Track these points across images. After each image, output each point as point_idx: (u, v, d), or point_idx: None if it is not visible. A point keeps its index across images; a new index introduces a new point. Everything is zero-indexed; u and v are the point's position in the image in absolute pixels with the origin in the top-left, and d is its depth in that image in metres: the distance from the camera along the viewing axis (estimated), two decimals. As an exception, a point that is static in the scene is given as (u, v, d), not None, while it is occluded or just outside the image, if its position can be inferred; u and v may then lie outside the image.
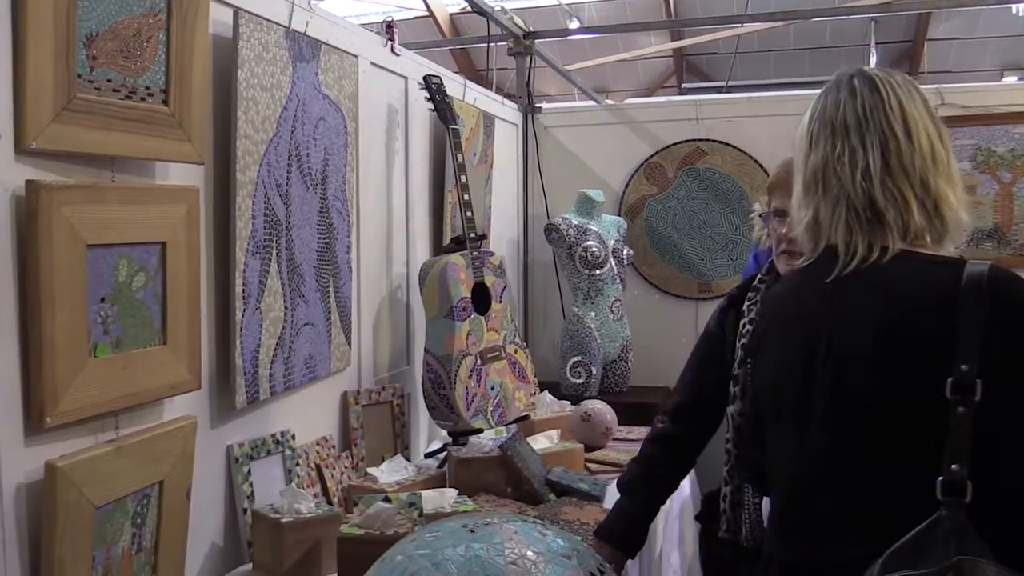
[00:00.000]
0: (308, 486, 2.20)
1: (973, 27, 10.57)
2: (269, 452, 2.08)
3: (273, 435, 2.10)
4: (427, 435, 3.05)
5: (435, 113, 2.85)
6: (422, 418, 2.96)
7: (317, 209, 2.24)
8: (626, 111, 4.16)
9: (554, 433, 2.77)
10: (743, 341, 1.86)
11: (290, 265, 2.12)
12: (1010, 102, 3.64)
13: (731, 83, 9.86)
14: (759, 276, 1.94)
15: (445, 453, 2.78)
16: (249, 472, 2.00)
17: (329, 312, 2.32)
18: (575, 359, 3.71)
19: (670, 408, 2.03)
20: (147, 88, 1.57)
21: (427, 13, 9.53)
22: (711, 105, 4.01)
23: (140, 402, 1.62)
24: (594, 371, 3.70)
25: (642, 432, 3.25)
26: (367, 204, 2.58)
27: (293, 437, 2.17)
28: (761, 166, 3.90)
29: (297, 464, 2.16)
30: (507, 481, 2.45)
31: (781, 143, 3.98)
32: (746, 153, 3.92)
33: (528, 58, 4.21)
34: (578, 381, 3.70)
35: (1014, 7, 9.66)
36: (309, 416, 2.30)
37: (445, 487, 2.37)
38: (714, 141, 3.96)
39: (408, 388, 2.82)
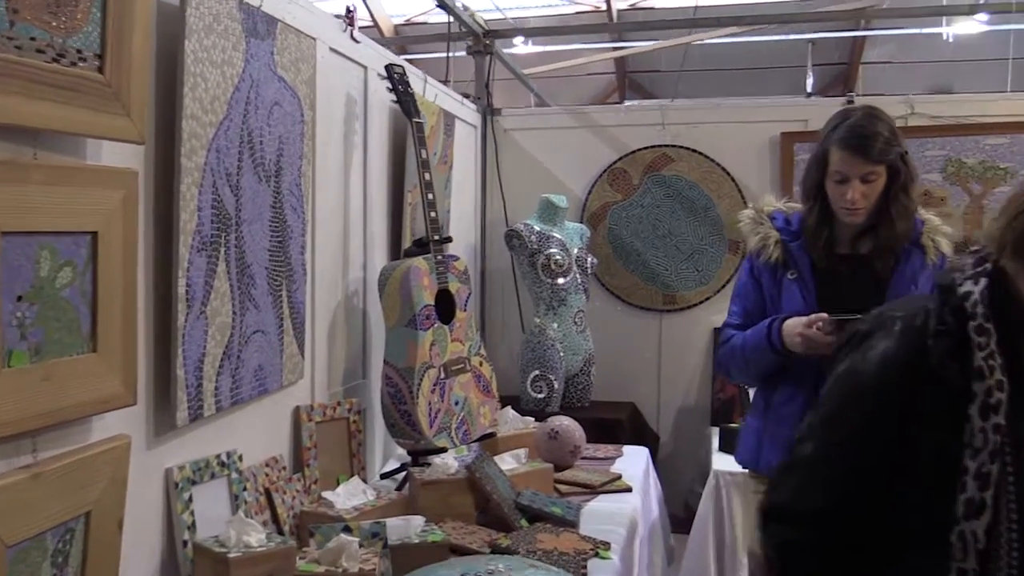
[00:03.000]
0: (256, 513, 1.96)
1: (906, 52, 10.95)
2: (213, 475, 1.84)
3: (218, 456, 1.87)
4: (382, 453, 2.82)
5: (397, 106, 2.65)
6: (377, 435, 2.74)
7: (270, 204, 2.01)
8: (589, 115, 4.00)
9: (521, 452, 2.58)
10: (995, 420, 1.18)
11: (239, 265, 1.88)
12: (981, 113, 3.58)
13: (674, 101, 9.82)
14: (978, 311, 1.19)
15: (404, 474, 2.56)
16: (190, 499, 1.76)
17: (281, 318, 2.09)
18: (536, 372, 3.52)
19: (801, 509, 1.27)
20: (78, 51, 1.34)
21: (371, 23, 9.29)
22: (677, 111, 3.89)
23: (63, 420, 1.37)
24: (556, 385, 3.52)
25: (608, 450, 3.08)
26: (324, 201, 2.36)
27: (240, 458, 1.93)
28: (728, 174, 3.78)
29: (244, 489, 1.92)
30: (475, 505, 2.25)
31: (748, 151, 3.92)
32: (713, 160, 3.79)
33: (488, 58, 4.03)
34: (539, 396, 3.51)
35: (944, 33, 9.93)
36: (258, 434, 2.07)
37: (408, 512, 2.16)
38: (681, 147, 3.83)
39: (363, 403, 2.60)
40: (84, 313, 1.39)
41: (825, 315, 1.98)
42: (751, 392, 2.96)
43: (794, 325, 2.04)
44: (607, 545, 2.09)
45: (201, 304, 1.74)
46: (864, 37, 10.92)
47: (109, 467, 1.46)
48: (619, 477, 2.69)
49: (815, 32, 10.58)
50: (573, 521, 2.26)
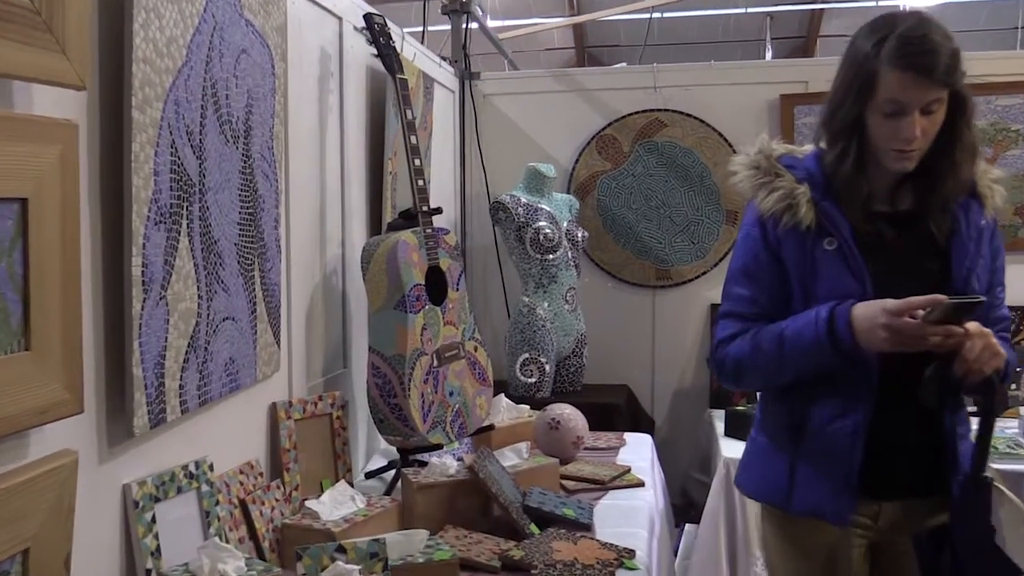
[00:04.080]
0: (231, 529, 1.69)
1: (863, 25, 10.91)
2: (180, 489, 1.56)
3: (185, 466, 1.59)
4: (365, 449, 2.55)
5: (374, 65, 2.37)
6: (360, 429, 2.48)
7: (239, 169, 1.72)
8: (575, 78, 3.73)
9: (523, 446, 2.32)
10: None
11: (205, 241, 1.60)
12: (992, 72, 3.37)
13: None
14: None
15: (393, 473, 2.30)
16: (153, 519, 1.48)
17: (254, 303, 1.81)
18: (525, 356, 3.26)
19: None
20: (-4, -34, 1.05)
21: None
22: (670, 72, 3.62)
23: (-9, 436, 1.09)
24: (548, 368, 3.27)
25: (611, 439, 2.84)
26: (298, 168, 2.07)
27: (211, 467, 1.65)
28: (725, 139, 3.54)
29: (217, 503, 1.64)
30: (478, 509, 1.99)
31: (746, 114, 3.67)
32: (709, 125, 3.55)
33: (464, 17, 3.73)
34: (530, 380, 3.26)
35: (901, 5, 9.90)
36: (230, 437, 1.79)
37: (403, 520, 1.90)
38: (674, 111, 3.57)
39: (346, 395, 2.33)
40: (13, 301, 1.11)
41: (942, 297, 1.48)
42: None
43: (872, 314, 1.53)
44: (631, 553, 1.85)
45: (160, 288, 1.45)
46: (822, 10, 10.91)
47: (52, 491, 1.18)
48: (628, 470, 2.45)
49: (773, 5, 10.56)
50: (588, 524, 2.02)
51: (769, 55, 10.76)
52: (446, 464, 2.01)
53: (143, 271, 1.40)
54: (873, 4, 10.53)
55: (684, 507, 3.52)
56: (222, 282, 1.66)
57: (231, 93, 1.67)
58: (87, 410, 1.29)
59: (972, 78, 3.42)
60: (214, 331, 1.64)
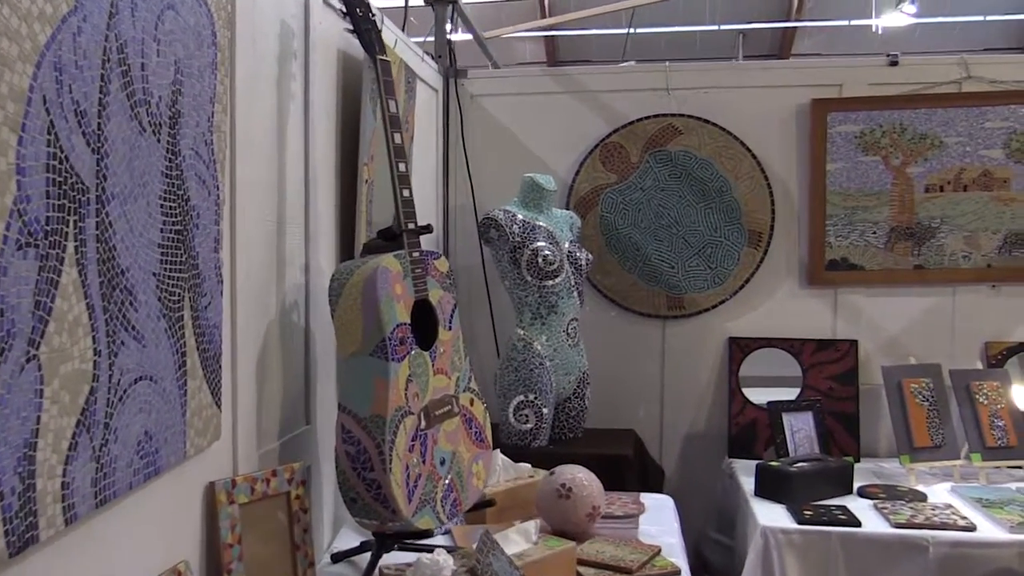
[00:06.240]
0: (141, 675, 1.20)
1: (834, 44, 11.04)
2: (61, 633, 1.07)
3: (70, 598, 1.10)
4: (332, 522, 2.06)
5: (353, 40, 1.91)
6: (327, 498, 1.99)
7: (161, 170, 1.24)
8: (576, 78, 3.27)
9: (531, 526, 1.85)
10: None
11: (106, 271, 1.11)
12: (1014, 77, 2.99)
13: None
14: None
15: (368, 560, 1.82)
16: None
17: (183, 354, 1.32)
18: (520, 398, 2.79)
19: None
20: None
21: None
22: (685, 73, 3.18)
23: None
24: (545, 412, 2.80)
25: (627, 504, 2.38)
26: (248, 171, 1.59)
27: (111, 593, 1.16)
28: (748, 149, 3.10)
29: (119, 644, 1.15)
30: (481, 622, 1.52)
31: (771, 120, 3.15)
32: (729, 133, 3.11)
33: (449, 7, 3.27)
34: (525, 427, 2.78)
35: (874, 25, 9.72)
36: (148, 539, 1.30)
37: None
38: (690, 117, 3.13)
39: (309, 458, 1.84)
40: None
41: None
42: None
43: None
44: None
45: (27, 344, 0.97)
46: (794, 28, 10.85)
47: None
48: (659, 552, 1.98)
49: (746, 23, 10.41)
50: (622, 638, 1.56)
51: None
52: (439, 564, 1.53)
53: (-4, 321, 0.91)
54: (845, 23, 10.39)
55: (697, 569, 3.06)
56: (133, 329, 1.17)
57: (149, 63, 1.19)
58: None
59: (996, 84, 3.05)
60: (120, 399, 1.16)
